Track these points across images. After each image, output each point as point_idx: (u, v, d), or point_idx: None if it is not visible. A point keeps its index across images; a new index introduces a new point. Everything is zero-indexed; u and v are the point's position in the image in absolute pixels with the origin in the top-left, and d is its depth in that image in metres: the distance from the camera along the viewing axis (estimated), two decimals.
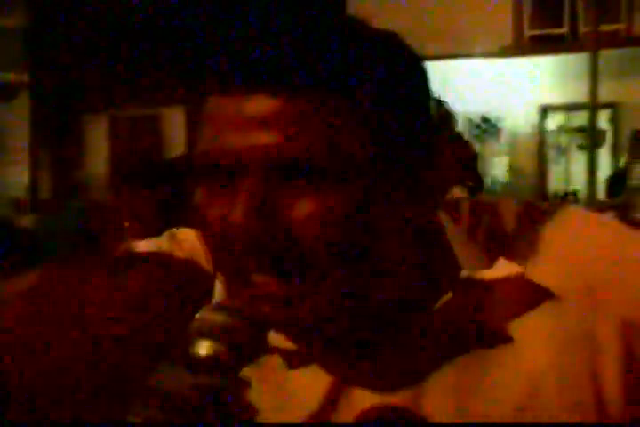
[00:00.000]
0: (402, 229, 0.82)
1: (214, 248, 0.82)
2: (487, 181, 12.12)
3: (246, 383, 0.74)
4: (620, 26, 13.21)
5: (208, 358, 0.74)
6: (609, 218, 0.97)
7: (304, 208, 0.77)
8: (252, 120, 0.76)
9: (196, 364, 0.74)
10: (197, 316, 0.77)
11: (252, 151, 0.77)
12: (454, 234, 0.89)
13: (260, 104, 0.76)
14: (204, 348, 0.75)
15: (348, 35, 0.79)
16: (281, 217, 0.77)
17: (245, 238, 0.77)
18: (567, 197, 13.15)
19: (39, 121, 13.94)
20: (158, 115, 14.86)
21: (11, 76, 13.09)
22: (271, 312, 0.80)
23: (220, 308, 0.77)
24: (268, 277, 0.79)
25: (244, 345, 0.76)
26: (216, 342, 0.75)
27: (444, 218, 0.89)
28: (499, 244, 0.88)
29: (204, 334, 0.75)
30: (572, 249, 0.88)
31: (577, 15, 13.51)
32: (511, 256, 0.87)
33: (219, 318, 0.76)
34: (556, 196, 13.43)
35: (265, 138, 0.76)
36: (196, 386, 0.72)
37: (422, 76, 0.84)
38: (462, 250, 0.88)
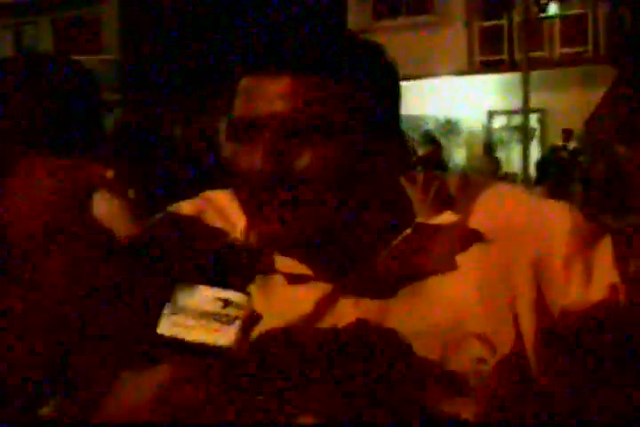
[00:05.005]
0: (375, 179, 0.96)
1: (242, 187, 0.95)
2: (450, 166, 13.94)
3: (249, 294, 0.85)
4: (544, 53, 15.16)
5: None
6: (529, 190, 1.10)
7: (306, 157, 0.92)
8: (271, 94, 0.92)
9: (213, 282, 0.84)
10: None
11: (271, 116, 0.92)
12: (412, 193, 1.02)
13: (278, 84, 0.92)
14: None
15: (344, 41, 0.96)
16: (289, 163, 0.91)
17: (264, 178, 0.91)
18: (507, 177, 14.08)
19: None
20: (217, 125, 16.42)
21: (107, 96, 14.13)
22: (278, 230, 0.93)
23: (228, 244, 0.90)
24: (276, 206, 0.93)
25: (245, 269, 0.87)
26: None
27: (405, 182, 1.03)
28: (444, 200, 1.01)
29: None
30: (497, 206, 1.01)
31: (513, 45, 15.38)
32: (453, 209, 1.00)
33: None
34: (500, 175, 13.93)
35: (280, 107, 0.92)
36: (215, 298, 0.83)
37: (393, 73, 0.99)
38: (417, 204, 1.00)
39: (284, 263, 1.01)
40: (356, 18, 16.71)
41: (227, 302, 0.84)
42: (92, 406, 0.92)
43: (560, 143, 13.73)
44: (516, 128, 15.14)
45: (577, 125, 13.82)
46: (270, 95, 0.93)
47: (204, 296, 0.84)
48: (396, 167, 0.99)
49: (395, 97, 1.00)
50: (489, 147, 14.78)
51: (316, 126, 0.92)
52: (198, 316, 0.84)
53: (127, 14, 18.64)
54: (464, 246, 1.00)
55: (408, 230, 0.98)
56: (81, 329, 0.90)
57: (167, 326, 0.84)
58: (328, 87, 0.93)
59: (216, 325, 0.83)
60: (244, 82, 0.96)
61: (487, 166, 14.12)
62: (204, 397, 0.91)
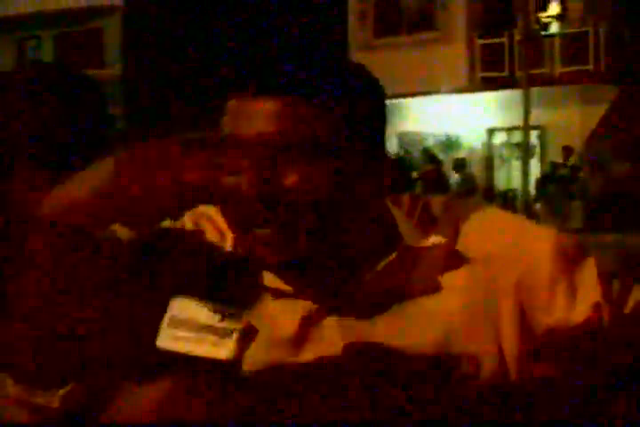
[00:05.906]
0: (360, 203, 0.98)
1: (229, 209, 0.95)
2: (450, 183, 14.46)
3: (245, 307, 0.86)
4: (544, 70, 15.35)
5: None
6: (509, 211, 1.10)
7: (293, 179, 0.93)
8: (259, 115, 0.94)
9: (210, 295, 0.85)
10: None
11: (257, 137, 0.93)
12: (397, 214, 1.02)
13: (266, 105, 0.94)
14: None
15: (330, 63, 0.99)
16: (276, 184, 0.93)
17: (250, 197, 0.92)
18: (508, 194, 15.04)
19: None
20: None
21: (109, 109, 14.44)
22: (264, 252, 0.94)
23: (224, 258, 0.90)
24: (263, 228, 0.93)
25: (241, 282, 0.88)
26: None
27: (390, 204, 1.03)
28: (429, 222, 1.03)
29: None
30: (482, 228, 1.03)
31: (514, 63, 15.68)
32: (438, 231, 1.01)
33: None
34: (500, 193, 15.43)
35: (267, 127, 0.93)
36: (212, 311, 0.83)
37: (379, 95, 1.01)
38: (402, 225, 1.02)
39: (270, 280, 1.01)
40: (356, 35, 16.93)
41: (223, 315, 0.85)
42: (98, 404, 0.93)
43: (560, 160, 14.12)
44: (516, 145, 15.27)
45: (577, 143, 14.14)
46: (258, 116, 0.94)
47: (201, 309, 0.85)
48: (383, 188, 1.00)
49: (380, 118, 1.01)
50: (460, 164, 14.98)
51: (303, 147, 0.93)
52: (195, 329, 0.84)
53: (129, 29, 18.94)
54: (449, 268, 1.01)
55: (394, 254, 0.99)
56: (85, 338, 0.91)
57: (165, 339, 0.84)
58: (315, 108, 0.94)
59: (213, 338, 0.84)
60: (232, 102, 0.97)
61: (460, 184, 14.33)
62: (202, 408, 0.92)
